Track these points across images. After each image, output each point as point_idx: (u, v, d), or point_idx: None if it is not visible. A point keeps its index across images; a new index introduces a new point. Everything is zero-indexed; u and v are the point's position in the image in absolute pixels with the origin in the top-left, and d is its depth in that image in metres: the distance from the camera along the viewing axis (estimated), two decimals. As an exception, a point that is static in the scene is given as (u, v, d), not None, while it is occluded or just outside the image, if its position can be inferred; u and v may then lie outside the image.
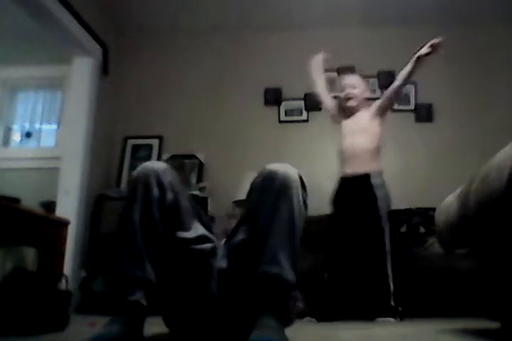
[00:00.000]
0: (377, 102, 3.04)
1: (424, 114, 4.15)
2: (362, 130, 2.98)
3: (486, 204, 1.36)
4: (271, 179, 1.28)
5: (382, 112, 3.01)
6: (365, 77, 4.23)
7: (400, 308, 2.61)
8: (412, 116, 4.18)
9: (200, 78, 4.44)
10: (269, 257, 1.23)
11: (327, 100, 3.24)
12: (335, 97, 3.25)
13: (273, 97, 4.32)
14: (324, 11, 4.16)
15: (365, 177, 2.88)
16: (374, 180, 2.86)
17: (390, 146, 4.13)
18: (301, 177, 1.33)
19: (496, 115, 4.05)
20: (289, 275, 1.23)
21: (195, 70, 4.46)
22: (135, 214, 1.31)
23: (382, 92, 4.22)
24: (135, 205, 1.32)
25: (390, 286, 2.61)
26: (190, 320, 1.45)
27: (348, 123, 3.07)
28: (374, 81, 4.25)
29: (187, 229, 1.39)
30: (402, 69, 4.20)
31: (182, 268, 1.40)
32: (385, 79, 4.24)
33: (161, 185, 1.34)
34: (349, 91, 3.05)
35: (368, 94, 3.19)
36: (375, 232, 2.75)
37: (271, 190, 1.27)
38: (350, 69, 4.28)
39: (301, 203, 1.30)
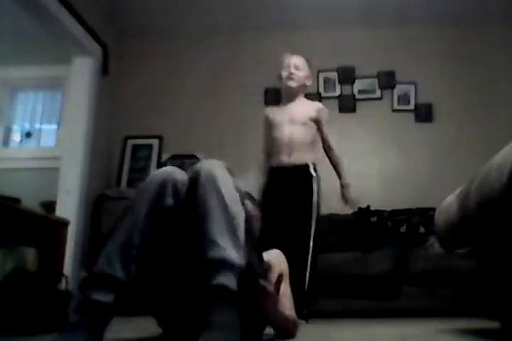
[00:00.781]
0: (323, 127, 2.86)
1: (424, 114, 4.15)
2: (301, 122, 2.78)
3: (486, 204, 1.36)
4: (196, 177, 1.35)
5: (316, 130, 2.85)
6: (365, 77, 4.26)
7: (305, 311, 2.40)
8: (411, 116, 4.18)
9: (200, 78, 4.43)
10: (209, 243, 1.23)
11: None
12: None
13: (273, 97, 4.32)
14: (324, 11, 4.16)
15: (305, 168, 2.72)
16: (312, 172, 2.73)
17: (390, 146, 4.15)
18: (229, 169, 1.40)
19: (496, 115, 4.05)
20: (233, 256, 1.21)
21: (196, 70, 4.46)
22: (142, 209, 1.34)
23: (382, 92, 4.24)
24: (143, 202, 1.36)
25: (304, 288, 2.45)
26: (183, 320, 1.45)
27: (285, 112, 2.84)
28: (374, 81, 4.25)
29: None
30: (402, 69, 4.24)
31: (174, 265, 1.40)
32: (385, 79, 4.24)
33: (177, 195, 1.39)
34: (293, 71, 2.82)
35: (309, 82, 2.94)
36: (302, 230, 2.59)
37: (198, 186, 1.33)
38: (349, 70, 4.29)
39: (233, 191, 1.35)
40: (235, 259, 1.21)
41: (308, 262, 2.54)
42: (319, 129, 2.84)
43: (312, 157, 2.79)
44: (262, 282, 1.39)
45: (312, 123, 2.82)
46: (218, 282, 1.17)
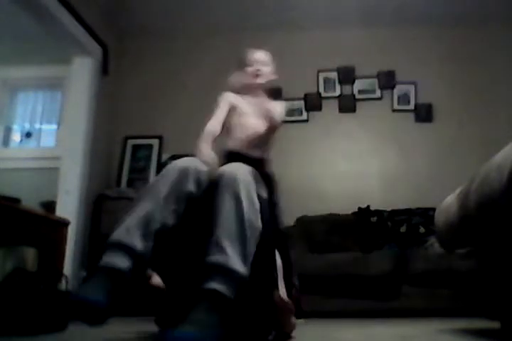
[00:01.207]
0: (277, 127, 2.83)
1: (423, 114, 4.15)
2: (263, 119, 2.78)
3: (486, 204, 1.36)
4: (219, 178, 1.37)
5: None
6: (365, 77, 4.26)
7: None
8: (411, 116, 4.18)
9: (200, 78, 4.43)
10: (216, 247, 1.24)
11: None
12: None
13: (273, 97, 4.32)
14: (324, 11, 4.16)
15: (260, 161, 2.58)
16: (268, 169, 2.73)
17: (390, 146, 4.15)
18: (255, 174, 1.41)
19: (496, 115, 4.05)
20: (237, 265, 1.21)
21: (196, 70, 4.46)
22: (162, 189, 1.35)
23: (382, 92, 4.24)
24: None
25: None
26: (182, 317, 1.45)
27: (250, 104, 2.72)
28: (374, 81, 4.25)
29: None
30: (402, 69, 4.24)
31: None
32: (385, 79, 4.24)
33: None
34: (260, 67, 2.71)
35: (273, 78, 2.83)
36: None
37: (219, 186, 1.35)
38: (349, 70, 4.29)
39: (254, 199, 1.35)
40: (239, 268, 1.21)
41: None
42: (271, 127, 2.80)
43: (268, 154, 2.76)
44: (277, 294, 1.40)
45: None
46: (212, 287, 1.18)
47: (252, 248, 1.28)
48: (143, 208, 1.32)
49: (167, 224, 1.32)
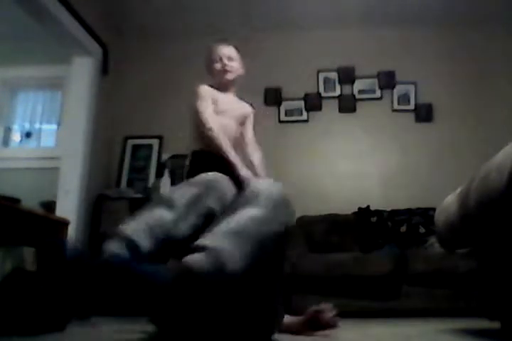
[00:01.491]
0: (250, 130, 2.75)
1: (424, 114, 4.15)
2: (236, 118, 2.66)
3: (486, 204, 1.36)
4: (255, 195, 1.32)
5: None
6: (365, 77, 4.26)
7: None
8: (412, 116, 4.18)
9: (200, 78, 4.42)
10: (209, 234, 1.20)
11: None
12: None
13: (273, 97, 4.32)
14: (324, 11, 4.16)
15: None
16: None
17: (390, 146, 4.15)
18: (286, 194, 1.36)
19: (496, 115, 4.05)
20: (231, 259, 1.14)
21: (195, 70, 4.44)
22: (183, 197, 1.32)
23: (382, 92, 4.24)
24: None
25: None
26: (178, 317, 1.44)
27: (225, 103, 2.66)
28: (374, 81, 4.25)
29: None
30: (402, 69, 4.24)
31: None
32: (385, 79, 4.24)
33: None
34: (227, 62, 2.67)
35: (242, 72, 2.77)
36: None
37: (251, 198, 1.31)
38: (349, 70, 4.29)
39: (277, 219, 1.30)
40: (231, 261, 1.15)
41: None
42: (244, 128, 2.73)
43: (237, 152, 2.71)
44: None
45: (242, 122, 2.72)
46: (187, 259, 1.13)
47: (256, 249, 1.22)
48: (157, 213, 1.28)
49: (180, 233, 1.28)
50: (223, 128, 2.55)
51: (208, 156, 2.41)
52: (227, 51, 2.72)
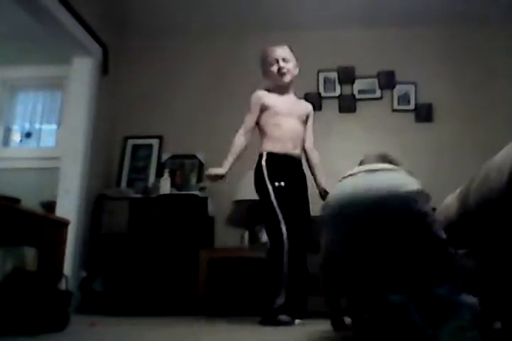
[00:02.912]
0: (310, 127, 2.91)
1: (424, 114, 4.15)
2: (299, 117, 2.78)
3: (486, 204, 1.36)
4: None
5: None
6: (365, 77, 4.26)
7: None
8: (412, 116, 4.18)
9: (200, 78, 4.43)
10: None
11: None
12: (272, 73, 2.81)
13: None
14: (324, 11, 4.16)
15: (301, 161, 2.80)
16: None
17: (390, 146, 4.14)
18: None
19: (496, 115, 4.05)
20: None
21: (195, 70, 4.46)
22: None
23: (382, 92, 4.24)
24: None
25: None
26: None
27: (284, 103, 2.77)
28: (374, 81, 4.25)
29: None
30: (402, 69, 4.24)
31: None
32: (385, 79, 4.24)
33: None
34: (283, 64, 2.72)
35: (297, 72, 2.83)
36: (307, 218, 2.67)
37: None
38: (349, 70, 4.29)
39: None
40: None
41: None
42: (306, 127, 2.87)
43: (301, 152, 2.83)
44: None
45: (304, 120, 2.82)
46: None
47: None
48: None
49: None
50: (283, 128, 2.68)
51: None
52: (282, 52, 2.77)
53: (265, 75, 2.83)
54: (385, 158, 1.96)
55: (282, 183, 2.56)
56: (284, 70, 2.73)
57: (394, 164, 1.73)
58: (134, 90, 4.45)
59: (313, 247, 2.46)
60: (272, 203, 2.53)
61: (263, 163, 2.65)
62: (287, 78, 2.72)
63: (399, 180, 1.55)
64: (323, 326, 2.06)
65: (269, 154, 2.68)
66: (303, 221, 2.61)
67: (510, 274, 1.48)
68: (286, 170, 2.65)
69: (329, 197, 1.67)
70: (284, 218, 2.49)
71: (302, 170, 2.79)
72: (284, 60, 2.77)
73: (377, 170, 1.62)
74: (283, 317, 2.37)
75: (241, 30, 4.42)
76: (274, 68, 2.75)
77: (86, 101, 3.84)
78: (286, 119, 2.73)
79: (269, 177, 2.59)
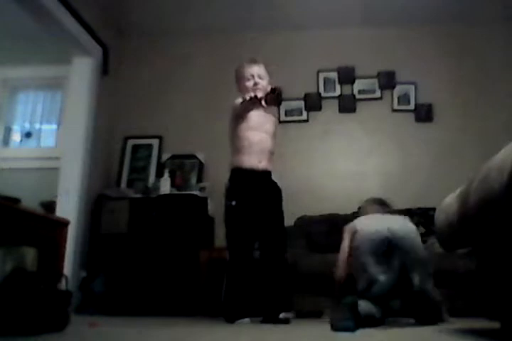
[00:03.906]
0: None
1: (424, 114, 4.15)
2: (268, 132, 2.84)
3: (486, 204, 1.36)
4: None
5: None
6: (365, 77, 4.26)
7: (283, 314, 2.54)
8: (412, 116, 4.18)
9: (200, 78, 4.43)
10: None
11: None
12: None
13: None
14: (324, 10, 4.16)
15: (269, 174, 2.81)
16: (275, 180, 2.83)
17: (390, 146, 4.15)
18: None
19: (496, 115, 4.05)
20: None
21: (195, 70, 4.46)
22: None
23: (382, 92, 4.24)
24: None
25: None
26: None
27: (256, 116, 2.83)
28: (374, 81, 4.25)
29: None
30: (402, 69, 4.24)
31: None
32: (385, 79, 4.24)
33: None
34: (258, 81, 2.82)
35: (268, 89, 2.80)
36: (282, 234, 2.75)
37: None
38: (349, 70, 4.29)
39: None
40: None
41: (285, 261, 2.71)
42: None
43: (272, 165, 2.85)
44: None
45: (275, 135, 2.88)
46: None
47: None
48: None
49: None
50: (259, 142, 2.75)
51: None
52: (257, 70, 2.89)
53: (240, 89, 2.94)
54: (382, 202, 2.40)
55: (234, 202, 2.67)
56: (259, 86, 2.80)
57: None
58: (134, 90, 4.45)
59: (283, 262, 2.66)
60: (225, 220, 2.71)
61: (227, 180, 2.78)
62: (260, 93, 2.79)
63: None
64: (323, 326, 2.06)
65: (234, 170, 2.77)
66: (269, 235, 2.69)
67: (510, 274, 1.48)
68: (248, 186, 2.71)
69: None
70: (233, 236, 2.68)
71: (272, 183, 2.80)
72: (259, 76, 2.83)
73: None
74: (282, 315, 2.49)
75: (241, 30, 4.42)
76: (250, 83, 2.85)
77: (86, 101, 3.84)
78: (255, 133, 2.79)
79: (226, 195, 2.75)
